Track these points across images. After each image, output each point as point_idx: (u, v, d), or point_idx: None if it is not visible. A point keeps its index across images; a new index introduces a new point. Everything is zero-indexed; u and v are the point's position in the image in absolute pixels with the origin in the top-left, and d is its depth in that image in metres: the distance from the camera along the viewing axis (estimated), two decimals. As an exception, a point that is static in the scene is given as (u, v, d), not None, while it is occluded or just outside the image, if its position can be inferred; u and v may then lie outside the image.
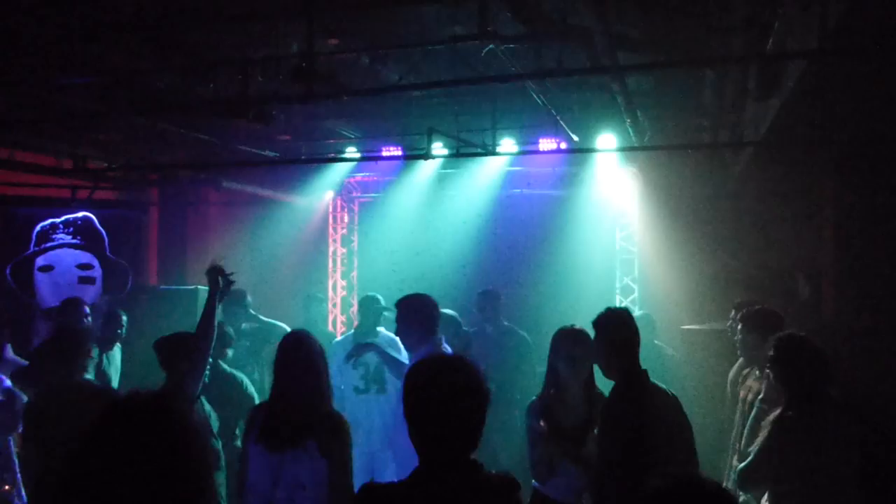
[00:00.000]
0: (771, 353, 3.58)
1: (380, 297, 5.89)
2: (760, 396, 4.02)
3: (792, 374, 3.47)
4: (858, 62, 4.23)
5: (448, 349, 4.36)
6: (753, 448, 3.53)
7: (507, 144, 7.86)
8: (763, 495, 3.55)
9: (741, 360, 4.76)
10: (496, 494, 2.18)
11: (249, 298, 6.41)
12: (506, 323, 6.48)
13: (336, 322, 10.53)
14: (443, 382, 2.18)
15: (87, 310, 6.00)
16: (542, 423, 3.75)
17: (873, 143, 5.75)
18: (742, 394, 4.48)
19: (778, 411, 3.48)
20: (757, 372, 4.41)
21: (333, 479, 3.21)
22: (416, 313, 4.27)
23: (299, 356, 3.38)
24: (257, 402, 4.35)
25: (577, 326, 3.84)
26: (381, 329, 5.80)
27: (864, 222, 6.28)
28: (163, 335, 4.27)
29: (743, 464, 3.58)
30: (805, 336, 3.58)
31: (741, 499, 3.88)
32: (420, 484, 2.14)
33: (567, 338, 3.82)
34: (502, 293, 6.67)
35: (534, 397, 3.91)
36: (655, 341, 6.24)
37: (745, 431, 4.08)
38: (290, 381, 3.33)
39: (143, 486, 1.42)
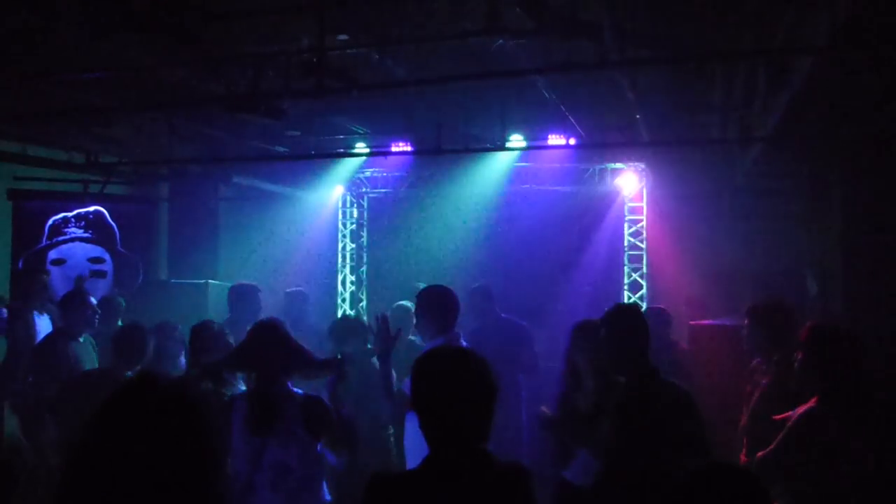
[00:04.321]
0: (802, 343, 3.44)
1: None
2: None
3: (821, 367, 3.29)
4: (868, 58, 4.23)
5: (465, 344, 4.38)
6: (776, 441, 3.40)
7: (516, 140, 7.88)
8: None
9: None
10: (507, 483, 2.19)
11: None
12: (503, 315, 6.49)
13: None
14: (450, 372, 2.20)
15: (94, 301, 6.05)
16: (544, 409, 3.85)
17: (883, 140, 5.73)
18: (749, 388, 4.46)
19: (807, 405, 3.34)
20: (764, 367, 4.40)
21: (336, 451, 3.43)
22: (432, 306, 4.22)
23: (275, 343, 3.48)
24: None
25: (591, 319, 3.91)
26: None
27: (874, 219, 6.26)
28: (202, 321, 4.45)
29: (762, 454, 3.46)
30: (839, 326, 3.45)
31: None
32: (431, 473, 2.15)
33: (579, 330, 3.99)
34: (494, 288, 6.64)
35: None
36: (671, 336, 6.24)
37: (750, 421, 4.07)
38: (268, 368, 3.44)
39: (155, 463, 1.44)
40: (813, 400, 3.36)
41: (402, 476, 2.21)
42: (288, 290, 7.11)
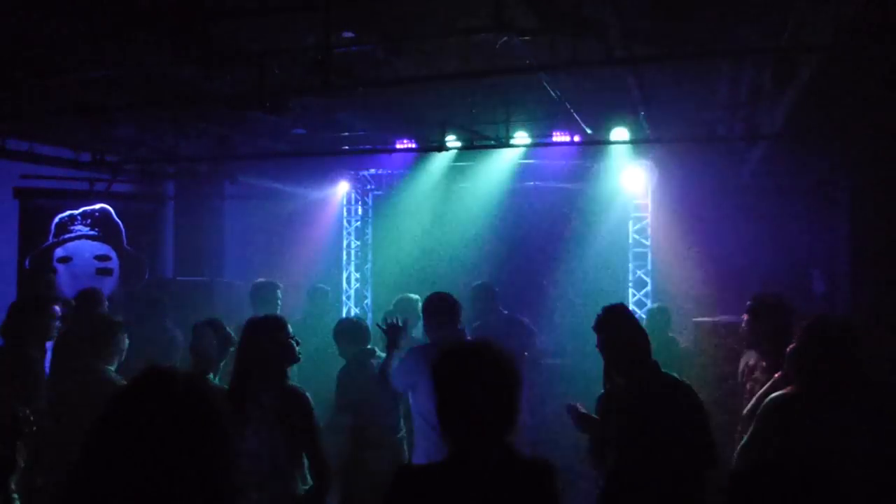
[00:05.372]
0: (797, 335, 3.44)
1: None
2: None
3: (806, 354, 3.29)
4: (874, 55, 4.21)
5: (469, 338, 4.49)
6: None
7: (521, 137, 7.88)
8: None
9: (751, 352, 4.73)
10: (532, 478, 2.18)
11: None
12: (505, 312, 6.51)
13: (350, 314, 10.57)
14: (473, 367, 2.19)
15: (104, 299, 6.08)
16: (578, 407, 3.82)
17: (889, 137, 5.72)
18: (749, 385, 4.45)
19: (783, 391, 3.36)
20: (763, 363, 4.39)
21: (307, 447, 3.52)
22: (429, 309, 4.60)
23: (259, 339, 3.65)
24: None
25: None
26: None
27: (881, 218, 6.25)
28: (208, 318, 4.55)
29: (741, 443, 3.47)
30: (834, 318, 3.44)
31: None
32: (456, 466, 2.14)
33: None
34: (498, 285, 6.68)
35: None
36: (670, 333, 6.25)
37: (744, 422, 4.07)
38: (251, 362, 3.61)
39: (168, 454, 1.45)
40: (788, 388, 3.37)
41: (428, 469, 2.20)
42: (311, 287, 7.23)
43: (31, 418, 3.20)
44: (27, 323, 4.67)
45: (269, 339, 3.64)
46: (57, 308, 4.88)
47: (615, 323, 3.59)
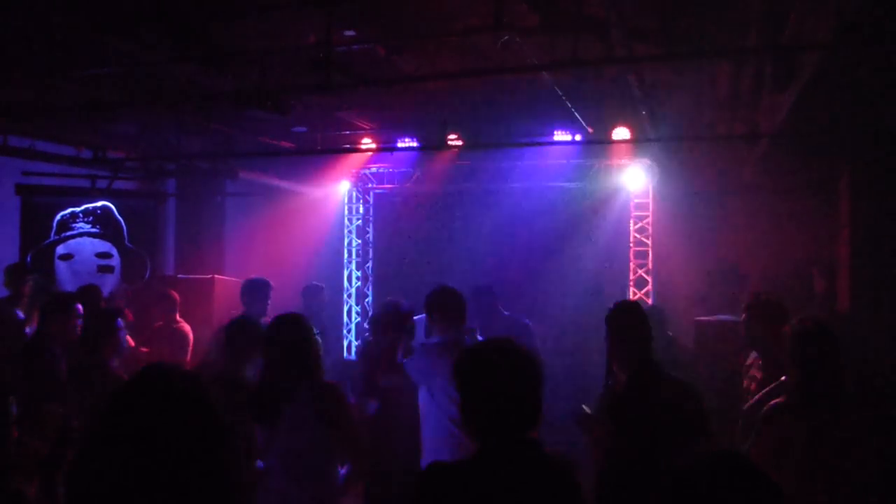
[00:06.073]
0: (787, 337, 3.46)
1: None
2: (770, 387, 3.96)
3: (796, 360, 3.28)
4: (874, 54, 4.22)
5: (480, 338, 4.45)
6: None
7: (522, 136, 7.88)
8: None
9: (752, 351, 4.75)
10: (555, 474, 2.22)
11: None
12: (506, 313, 6.51)
13: (351, 312, 10.59)
14: (499, 364, 2.23)
15: (102, 297, 6.10)
16: (585, 408, 3.84)
17: (889, 136, 5.72)
18: (746, 383, 4.48)
19: (775, 400, 3.36)
20: (761, 362, 4.41)
21: (344, 441, 3.50)
22: (433, 306, 4.45)
23: (286, 334, 3.62)
24: None
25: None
26: None
27: (880, 216, 6.25)
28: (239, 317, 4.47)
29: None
30: (819, 321, 3.46)
31: None
32: (483, 463, 2.18)
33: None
34: (498, 285, 6.65)
35: None
36: (669, 332, 6.26)
37: (742, 421, 4.08)
38: (278, 357, 3.57)
39: (163, 451, 1.47)
40: (782, 397, 3.37)
41: (456, 464, 2.23)
42: (306, 285, 7.25)
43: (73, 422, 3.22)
44: (54, 323, 4.70)
45: (293, 336, 3.61)
46: (80, 306, 4.91)
47: (625, 318, 3.62)
